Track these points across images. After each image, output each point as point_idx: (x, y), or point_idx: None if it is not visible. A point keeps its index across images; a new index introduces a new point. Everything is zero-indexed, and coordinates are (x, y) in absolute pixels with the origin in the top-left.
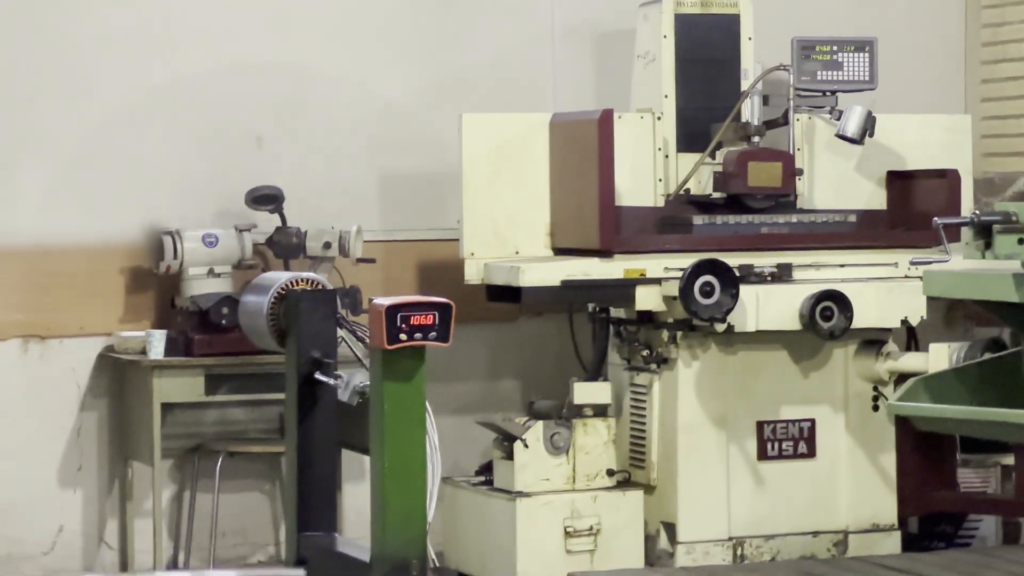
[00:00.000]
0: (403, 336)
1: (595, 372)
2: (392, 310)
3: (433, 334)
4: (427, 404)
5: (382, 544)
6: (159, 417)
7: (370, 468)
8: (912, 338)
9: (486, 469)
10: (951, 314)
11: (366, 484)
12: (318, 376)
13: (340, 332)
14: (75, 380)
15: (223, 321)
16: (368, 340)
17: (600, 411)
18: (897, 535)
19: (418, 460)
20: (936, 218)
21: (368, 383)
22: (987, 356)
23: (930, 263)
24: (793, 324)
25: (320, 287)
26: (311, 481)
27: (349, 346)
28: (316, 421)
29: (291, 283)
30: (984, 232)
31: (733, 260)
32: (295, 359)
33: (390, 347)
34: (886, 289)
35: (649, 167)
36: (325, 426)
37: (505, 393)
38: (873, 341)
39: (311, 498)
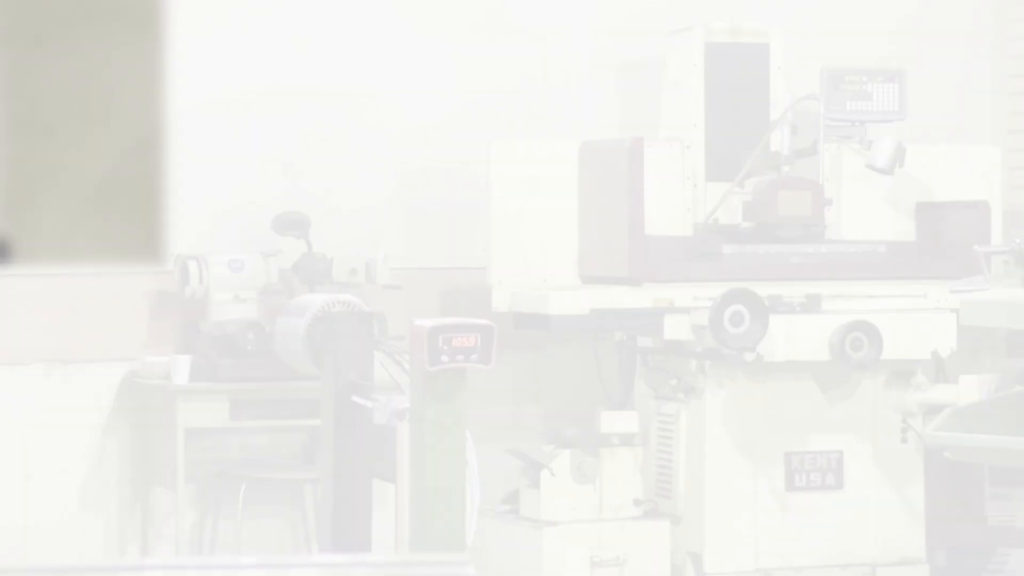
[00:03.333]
0: (445, 358)
1: (622, 401)
2: (435, 331)
3: (475, 356)
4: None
5: None
6: (183, 442)
7: (409, 491)
8: (941, 370)
9: (512, 498)
10: (981, 346)
11: (388, 511)
12: (355, 399)
13: (377, 355)
14: (98, 405)
15: (249, 346)
16: (405, 363)
17: (627, 440)
18: (925, 568)
19: (458, 483)
20: (976, 246)
21: (406, 405)
22: (1020, 387)
23: (969, 291)
24: (822, 355)
25: (358, 309)
26: (346, 504)
27: (387, 369)
28: (352, 444)
29: (328, 305)
30: None
31: (762, 289)
32: (332, 381)
33: (432, 369)
34: (916, 320)
35: (678, 196)
36: (361, 449)
37: (531, 422)
38: (902, 372)
39: (346, 521)
